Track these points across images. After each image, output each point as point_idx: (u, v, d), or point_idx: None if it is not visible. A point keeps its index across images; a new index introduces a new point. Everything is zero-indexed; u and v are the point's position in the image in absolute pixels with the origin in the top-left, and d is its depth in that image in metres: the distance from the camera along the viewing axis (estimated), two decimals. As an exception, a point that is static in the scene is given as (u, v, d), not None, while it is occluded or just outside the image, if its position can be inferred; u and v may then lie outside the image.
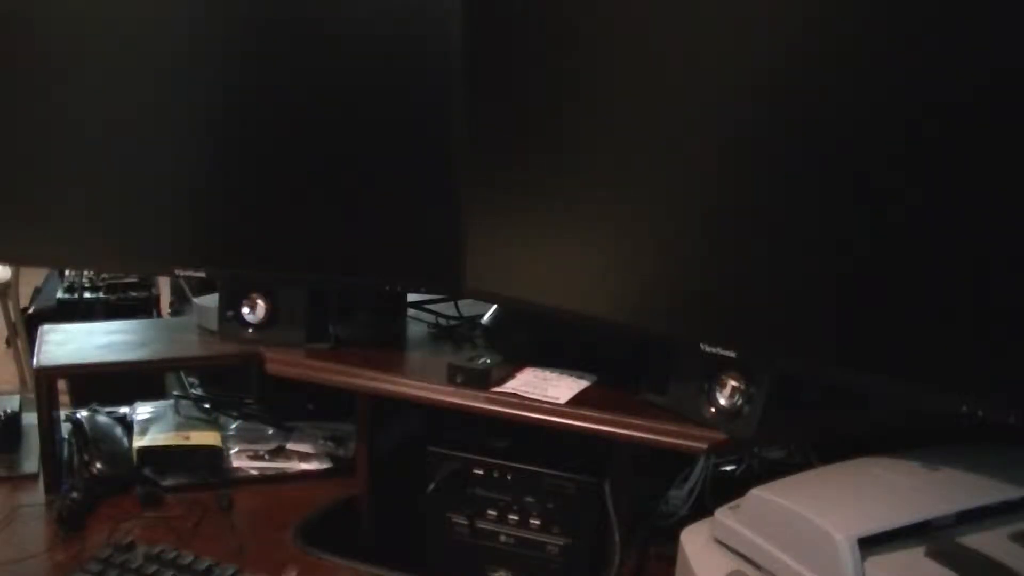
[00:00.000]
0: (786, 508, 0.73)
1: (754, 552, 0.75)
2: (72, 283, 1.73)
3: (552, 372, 1.07)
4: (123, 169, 1.16)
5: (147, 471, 1.17)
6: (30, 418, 1.25)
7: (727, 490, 0.86)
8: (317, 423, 1.32)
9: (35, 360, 1.16)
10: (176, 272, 1.25)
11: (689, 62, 0.88)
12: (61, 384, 1.28)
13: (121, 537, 1.01)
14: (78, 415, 1.23)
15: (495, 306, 1.27)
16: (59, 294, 1.80)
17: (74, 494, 1.08)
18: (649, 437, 0.92)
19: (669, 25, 0.89)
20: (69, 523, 1.06)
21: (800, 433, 0.95)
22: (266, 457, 1.25)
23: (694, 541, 0.82)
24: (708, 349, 0.89)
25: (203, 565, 0.95)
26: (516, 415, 1.00)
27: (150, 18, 1.12)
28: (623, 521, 0.99)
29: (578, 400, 0.99)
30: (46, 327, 1.28)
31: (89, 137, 1.15)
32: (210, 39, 1.12)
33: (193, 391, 1.39)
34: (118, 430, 1.22)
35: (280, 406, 1.34)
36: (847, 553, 0.67)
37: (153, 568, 0.95)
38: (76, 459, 1.17)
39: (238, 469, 1.23)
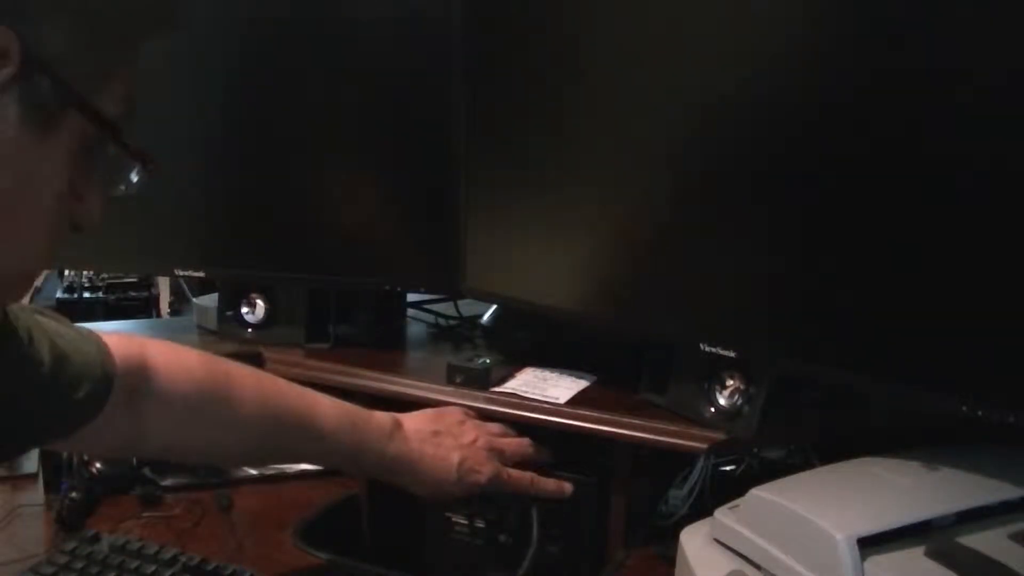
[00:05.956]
0: (786, 508, 0.73)
1: (754, 552, 0.75)
2: (72, 283, 1.72)
3: (552, 372, 1.06)
4: (123, 169, 1.16)
5: (147, 471, 1.17)
6: (30, 418, 1.25)
7: (727, 490, 0.86)
8: (317, 423, 1.32)
9: (35, 360, 1.16)
10: (176, 272, 1.25)
11: (690, 61, 0.88)
12: (61, 384, 1.27)
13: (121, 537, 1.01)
14: (78, 415, 1.23)
15: (495, 306, 1.27)
16: (59, 294, 1.80)
17: (74, 494, 1.08)
18: (649, 437, 0.92)
19: (670, 24, 0.89)
20: (69, 523, 1.05)
21: (800, 433, 0.95)
22: (266, 457, 1.25)
23: (694, 541, 0.82)
24: (708, 349, 0.89)
25: (202, 565, 0.95)
26: (516, 415, 1.00)
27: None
28: (623, 521, 0.99)
29: (578, 400, 0.99)
30: (46, 327, 1.27)
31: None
32: (210, 39, 1.12)
33: (193, 391, 1.39)
34: (118, 430, 1.22)
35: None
36: (847, 553, 0.67)
37: (152, 568, 0.94)
38: (76, 459, 1.17)
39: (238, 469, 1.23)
